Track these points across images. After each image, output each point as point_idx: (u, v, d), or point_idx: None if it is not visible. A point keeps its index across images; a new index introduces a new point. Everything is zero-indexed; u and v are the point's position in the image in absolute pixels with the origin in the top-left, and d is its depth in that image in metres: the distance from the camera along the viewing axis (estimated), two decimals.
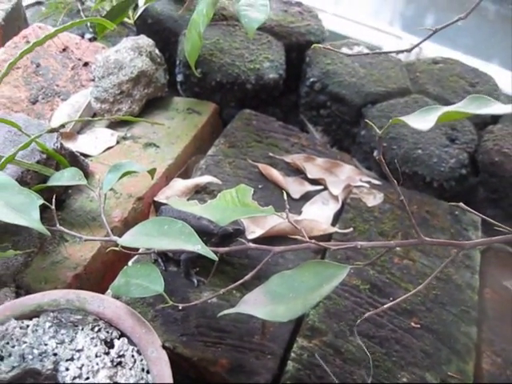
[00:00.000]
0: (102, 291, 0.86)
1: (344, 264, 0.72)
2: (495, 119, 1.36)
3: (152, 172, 0.97)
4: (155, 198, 1.05)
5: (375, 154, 1.19)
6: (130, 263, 0.92)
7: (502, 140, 1.21)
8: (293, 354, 0.84)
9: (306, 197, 1.08)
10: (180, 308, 0.76)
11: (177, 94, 1.34)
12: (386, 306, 0.72)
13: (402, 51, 0.90)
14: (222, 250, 0.79)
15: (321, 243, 0.75)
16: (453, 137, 1.21)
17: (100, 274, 0.96)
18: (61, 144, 1.01)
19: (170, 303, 0.74)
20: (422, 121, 0.62)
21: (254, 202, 0.77)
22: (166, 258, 0.93)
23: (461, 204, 0.75)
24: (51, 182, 0.94)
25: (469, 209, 0.74)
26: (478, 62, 2.83)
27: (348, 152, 1.28)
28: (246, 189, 0.79)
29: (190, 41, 1.08)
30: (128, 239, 0.74)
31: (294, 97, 1.42)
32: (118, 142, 1.17)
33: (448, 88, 1.35)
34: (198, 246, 0.68)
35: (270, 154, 1.15)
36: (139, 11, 1.24)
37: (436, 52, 1.62)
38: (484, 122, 1.31)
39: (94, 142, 1.16)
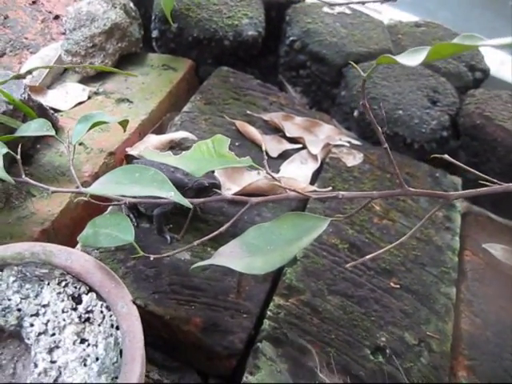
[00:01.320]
0: (72, 247, 0.83)
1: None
2: (477, 83, 1.34)
3: (124, 124, 0.92)
4: (127, 151, 1.01)
5: (356, 113, 1.17)
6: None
7: (484, 103, 1.18)
8: (269, 313, 0.81)
9: (285, 155, 1.05)
10: (151, 259, 0.72)
11: (152, 51, 1.29)
12: (363, 260, 0.69)
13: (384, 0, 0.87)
14: (196, 200, 0.75)
15: (301, 192, 0.72)
16: (434, 99, 1.19)
17: (69, 230, 0.92)
18: (28, 95, 0.96)
19: (140, 254, 0.71)
20: (412, 59, 0.58)
21: (231, 153, 0.74)
22: (137, 214, 0.89)
23: (445, 156, 0.72)
24: (18, 133, 0.89)
25: (453, 160, 0.71)
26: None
27: (327, 113, 1.25)
28: (223, 139, 0.76)
29: None
30: (97, 187, 0.70)
31: (273, 58, 1.38)
32: (89, 97, 1.13)
33: None
34: (171, 193, 0.64)
35: (248, 112, 1.12)
36: None
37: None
38: (466, 86, 1.29)
39: (65, 96, 1.12)
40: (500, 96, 1.23)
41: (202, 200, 0.77)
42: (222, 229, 0.72)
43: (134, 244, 0.69)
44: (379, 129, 0.67)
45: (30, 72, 1.00)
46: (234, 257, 0.67)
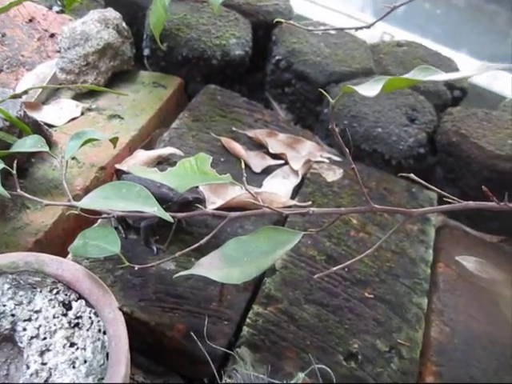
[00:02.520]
0: (63, 257, 0.87)
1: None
2: (455, 102, 1.39)
3: (114, 140, 0.98)
4: (117, 166, 1.06)
5: (330, 126, 1.22)
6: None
7: (461, 121, 1.24)
8: (248, 320, 0.86)
9: (268, 171, 1.10)
10: (136, 268, 0.77)
11: (143, 69, 1.34)
12: (333, 270, 0.74)
13: (361, 28, 0.93)
14: (180, 215, 0.81)
15: (275, 208, 0.77)
16: (413, 117, 1.24)
17: (61, 240, 0.97)
18: (24, 112, 1.01)
19: (126, 264, 0.76)
20: (371, 89, 0.64)
21: (213, 170, 0.79)
22: (126, 226, 0.94)
23: (411, 175, 0.77)
24: (13, 149, 0.94)
25: (418, 179, 0.76)
26: (447, 50, 2.87)
27: (311, 129, 1.30)
28: (205, 157, 0.80)
29: (155, 13, 1.08)
30: (87, 202, 0.75)
31: (259, 75, 1.43)
32: (82, 114, 1.17)
33: (410, 70, 1.38)
34: (154, 208, 0.70)
35: (233, 129, 1.17)
36: None
37: (406, 39, 1.65)
38: (444, 104, 1.34)
39: (59, 112, 1.17)
40: (476, 114, 1.28)
41: (184, 214, 0.82)
42: (202, 241, 0.77)
43: (119, 255, 0.75)
44: (347, 150, 0.72)
45: (26, 92, 1.06)
46: (213, 267, 0.72)
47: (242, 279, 0.70)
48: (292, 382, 0.79)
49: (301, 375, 0.79)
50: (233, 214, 0.78)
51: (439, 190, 0.76)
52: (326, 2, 1.95)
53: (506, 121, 1.28)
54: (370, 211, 0.77)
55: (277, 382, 0.78)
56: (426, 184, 0.76)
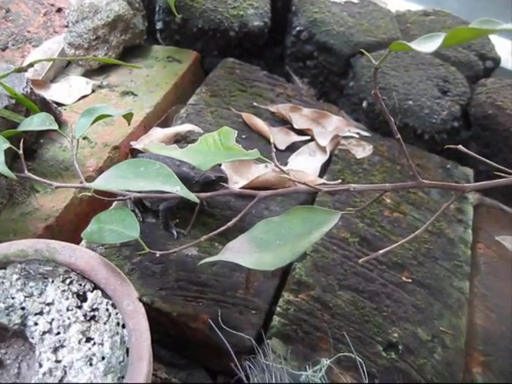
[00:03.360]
0: (76, 244, 0.81)
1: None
2: (488, 73, 1.31)
3: (128, 117, 0.90)
4: (132, 145, 0.99)
5: (365, 104, 1.14)
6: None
7: (495, 93, 1.16)
8: (278, 309, 0.79)
9: (292, 148, 1.03)
10: (157, 255, 0.70)
11: (156, 43, 1.27)
12: (375, 255, 0.67)
13: None
14: (203, 195, 0.74)
15: (311, 185, 0.70)
16: (445, 89, 1.16)
17: (73, 226, 0.90)
18: (31, 89, 0.94)
19: (146, 250, 0.69)
20: (426, 45, 0.56)
21: (238, 146, 0.72)
22: (143, 209, 0.87)
23: (460, 147, 0.70)
24: (20, 128, 0.87)
25: (467, 151, 0.69)
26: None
27: (335, 105, 1.23)
28: (229, 131, 0.74)
29: None
30: (101, 182, 0.68)
31: (279, 49, 1.36)
32: (93, 91, 1.11)
33: None
34: (177, 188, 0.62)
35: (255, 104, 1.10)
36: None
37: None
38: (476, 76, 1.27)
39: (68, 90, 1.10)
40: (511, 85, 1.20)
41: (208, 194, 0.75)
42: (229, 223, 0.70)
43: (139, 240, 0.68)
44: (391, 119, 0.65)
45: (31, 65, 0.98)
46: (242, 252, 0.65)
47: (275, 265, 0.63)
48: (316, 368, 0.72)
49: (325, 362, 0.72)
50: (262, 193, 0.71)
51: (494, 164, 0.68)
52: None
53: None
54: (417, 187, 0.70)
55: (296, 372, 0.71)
56: (479, 157, 0.69)
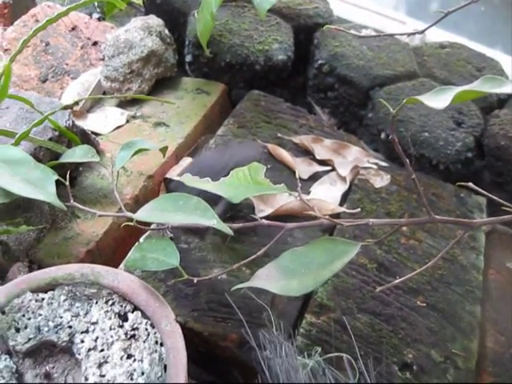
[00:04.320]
0: (114, 266, 0.88)
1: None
2: (501, 104, 1.37)
3: (164, 150, 0.98)
4: (167, 175, 1.06)
5: (383, 135, 1.21)
6: (141, 240, 0.93)
7: (508, 124, 1.22)
8: (301, 330, 0.86)
9: (315, 177, 1.09)
10: (194, 282, 0.77)
11: (185, 75, 1.34)
12: (393, 283, 0.73)
13: (412, 33, 0.91)
14: (235, 226, 0.80)
15: (334, 220, 0.76)
16: (459, 120, 1.22)
17: (112, 249, 0.98)
18: (72, 122, 1.02)
19: (185, 277, 0.76)
20: (437, 100, 0.63)
21: (267, 180, 0.79)
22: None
23: (470, 184, 0.75)
24: (64, 159, 0.95)
25: (477, 188, 0.75)
26: (482, 47, 2.84)
27: (355, 134, 1.29)
28: (259, 167, 0.80)
29: (201, 21, 1.08)
30: (143, 214, 0.75)
31: (301, 79, 1.43)
32: (127, 121, 1.18)
33: (455, 72, 1.36)
34: (213, 221, 0.69)
35: (279, 135, 1.16)
36: None
37: (440, 37, 1.62)
38: (490, 107, 1.32)
39: (104, 120, 1.17)
40: None
41: (240, 225, 0.82)
42: (259, 253, 0.77)
43: (179, 268, 0.75)
44: (407, 161, 0.71)
45: (76, 103, 1.06)
46: (270, 279, 0.72)
47: (300, 291, 0.70)
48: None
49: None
50: (290, 225, 0.77)
51: (505, 204, 0.74)
52: (359, 2, 1.94)
53: None
54: (430, 222, 0.76)
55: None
56: (486, 193, 0.74)
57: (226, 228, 0.70)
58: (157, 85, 1.27)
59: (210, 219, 0.69)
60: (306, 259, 0.73)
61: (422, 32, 0.89)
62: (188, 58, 1.32)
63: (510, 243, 1.14)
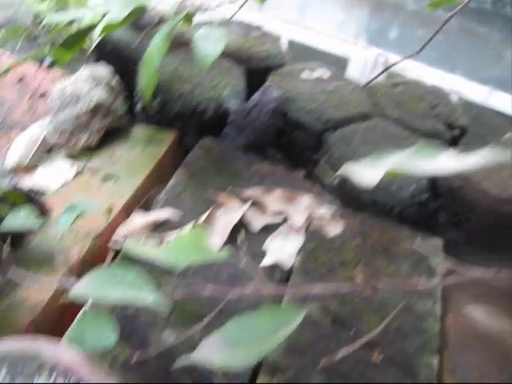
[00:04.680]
0: (61, 334, 0.85)
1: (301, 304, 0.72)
2: (456, 140, 1.37)
3: (108, 211, 0.96)
4: (115, 234, 1.03)
5: (336, 181, 1.20)
6: (80, 313, 0.90)
7: None
8: None
9: (268, 229, 1.08)
10: (135, 358, 0.74)
11: (138, 122, 1.32)
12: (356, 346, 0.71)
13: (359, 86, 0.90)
14: (176, 295, 0.78)
15: (279, 287, 0.75)
16: None
17: (58, 314, 0.94)
18: (16, 182, 0.99)
19: (126, 353, 0.73)
20: (368, 174, 0.61)
21: (210, 246, 0.77)
22: None
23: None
24: (5, 225, 0.92)
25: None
26: (442, 73, 2.88)
27: (309, 178, 1.28)
28: (201, 232, 0.78)
29: (145, 75, 1.07)
30: (78, 291, 0.72)
31: None
32: (76, 175, 1.15)
33: (408, 111, 1.36)
34: (151, 297, 0.67)
35: (231, 185, 1.14)
36: (95, 42, 1.22)
37: (401, 64, 1.62)
38: (444, 145, 1.32)
39: (52, 175, 1.15)
40: None
41: (181, 295, 0.80)
42: (205, 321, 0.74)
43: (118, 345, 0.72)
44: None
45: (20, 165, 1.04)
46: (214, 351, 0.69)
47: (244, 363, 0.67)
48: None
49: None
50: (231, 296, 0.75)
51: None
52: (321, 29, 1.96)
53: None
54: (370, 289, 0.74)
55: None
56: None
57: (163, 305, 0.67)
58: (107, 136, 1.24)
59: (149, 295, 0.67)
60: (251, 328, 0.71)
61: (368, 83, 0.88)
62: (139, 106, 1.31)
63: (469, 284, 1.13)
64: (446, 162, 0.60)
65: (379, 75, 0.90)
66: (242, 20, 1.59)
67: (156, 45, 1.04)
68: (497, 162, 0.57)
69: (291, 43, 2.61)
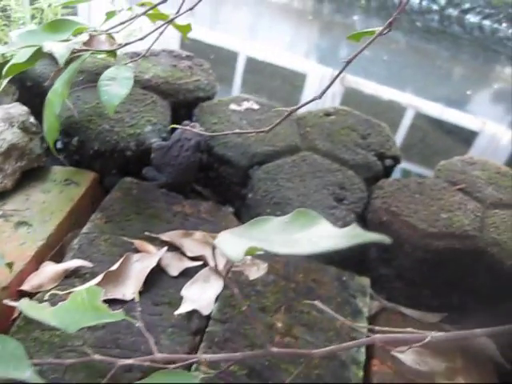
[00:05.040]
0: None
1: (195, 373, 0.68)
2: (388, 171, 1.35)
3: (10, 265, 0.90)
4: (23, 285, 0.98)
5: None
6: None
7: (391, 197, 1.19)
8: None
9: (186, 273, 1.03)
10: None
11: (58, 161, 1.27)
12: None
13: (260, 131, 0.87)
14: (66, 362, 0.73)
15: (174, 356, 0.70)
16: (341, 196, 1.19)
17: None
18: None
19: None
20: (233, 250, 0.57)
21: (104, 306, 0.72)
22: None
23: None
24: None
25: None
26: (393, 91, 2.89)
27: (238, 214, 1.24)
28: (96, 290, 0.74)
29: (47, 122, 1.02)
30: None
31: None
32: None
33: (338, 142, 1.34)
34: (27, 374, 0.62)
35: (149, 230, 1.09)
36: (3, 83, 1.16)
37: (350, 82, 1.60)
38: (375, 176, 1.30)
39: None
40: (408, 186, 1.24)
41: (71, 361, 0.75)
42: None
43: None
44: None
45: None
46: None
47: None
48: None
49: None
50: (121, 363, 0.71)
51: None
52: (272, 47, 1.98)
53: (439, 190, 1.24)
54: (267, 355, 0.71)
55: None
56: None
57: (40, 381, 0.62)
58: (24, 177, 1.18)
59: (24, 371, 0.62)
60: None
61: (268, 131, 0.84)
62: (58, 145, 1.25)
63: (399, 324, 1.10)
64: (307, 243, 0.56)
65: (306, 103, 0.86)
66: (171, 50, 1.56)
67: (56, 89, 0.99)
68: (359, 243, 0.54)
69: (249, 60, 2.61)
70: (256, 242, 0.58)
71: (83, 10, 2.60)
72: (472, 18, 3.51)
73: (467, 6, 3.46)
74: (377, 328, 0.82)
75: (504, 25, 3.45)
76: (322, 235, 0.55)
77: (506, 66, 3.39)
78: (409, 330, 0.82)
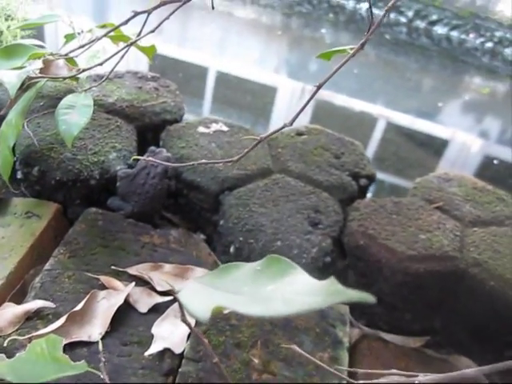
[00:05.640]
0: None
1: None
2: (363, 190, 1.32)
3: None
4: None
5: (232, 249, 1.11)
6: None
7: (368, 219, 1.15)
8: None
9: (156, 309, 0.97)
10: None
11: (18, 194, 1.20)
12: None
13: (229, 161, 0.83)
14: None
15: None
16: (316, 220, 1.14)
17: None
18: None
19: None
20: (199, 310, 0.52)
21: (65, 357, 0.67)
22: None
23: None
24: None
25: None
26: (364, 103, 2.88)
27: (210, 240, 1.19)
28: (56, 340, 0.68)
29: (1, 156, 0.96)
30: None
31: None
32: None
33: (311, 163, 1.29)
34: None
35: (113, 267, 1.03)
36: None
37: (322, 95, 1.56)
38: (351, 197, 1.26)
39: None
40: (384, 207, 1.20)
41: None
42: None
43: None
44: None
45: None
46: None
47: None
48: None
49: None
50: None
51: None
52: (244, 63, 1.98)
53: (416, 209, 1.21)
54: None
55: None
56: None
57: None
58: None
59: None
60: None
61: (237, 160, 0.80)
62: (19, 175, 1.19)
63: (380, 351, 1.06)
64: (281, 301, 0.51)
65: (276, 131, 0.82)
66: (136, 71, 1.51)
67: (10, 121, 0.93)
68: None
69: (219, 75, 2.57)
70: (224, 297, 0.54)
71: (50, 30, 2.55)
72: (440, 30, 3.52)
73: (435, 17, 3.46)
74: (360, 371, 0.77)
75: (471, 35, 3.46)
76: (296, 290, 0.50)
77: (474, 76, 3.41)
78: (393, 371, 0.77)
